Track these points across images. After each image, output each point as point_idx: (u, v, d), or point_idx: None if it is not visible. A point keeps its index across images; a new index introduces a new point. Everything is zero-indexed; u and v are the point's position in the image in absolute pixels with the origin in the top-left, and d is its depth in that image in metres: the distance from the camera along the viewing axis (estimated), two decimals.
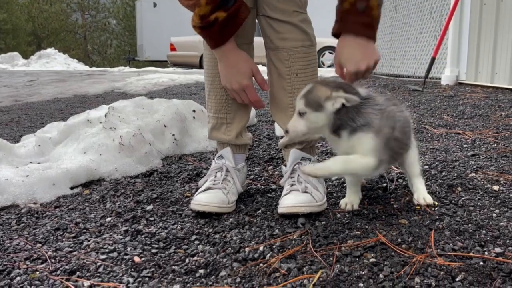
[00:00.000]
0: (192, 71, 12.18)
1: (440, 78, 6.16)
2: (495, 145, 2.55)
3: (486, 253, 1.31)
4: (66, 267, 1.29)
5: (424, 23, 7.02)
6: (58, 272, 1.27)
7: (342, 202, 1.71)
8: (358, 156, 1.48)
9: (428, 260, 1.26)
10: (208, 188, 1.75)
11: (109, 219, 1.68)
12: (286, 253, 1.33)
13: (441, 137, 2.85)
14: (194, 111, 2.92)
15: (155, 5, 18.92)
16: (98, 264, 1.31)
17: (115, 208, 1.79)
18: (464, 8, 5.72)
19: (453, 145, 2.62)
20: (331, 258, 1.30)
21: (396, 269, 1.22)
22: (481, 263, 1.24)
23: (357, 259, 1.29)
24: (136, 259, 1.34)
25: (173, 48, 14.68)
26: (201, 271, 1.27)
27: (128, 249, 1.41)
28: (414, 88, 5.68)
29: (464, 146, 2.58)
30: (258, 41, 1.78)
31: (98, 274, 1.26)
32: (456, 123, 3.30)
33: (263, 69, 2.19)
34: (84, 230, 1.59)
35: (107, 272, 1.27)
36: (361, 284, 1.16)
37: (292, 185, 1.71)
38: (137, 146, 2.39)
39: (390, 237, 1.42)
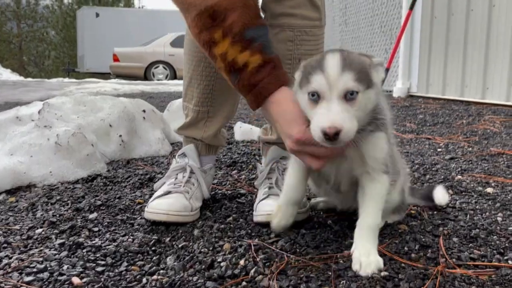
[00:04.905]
0: (137, 82, 11.68)
1: (391, 91, 6.17)
2: (470, 149, 2.42)
3: (509, 261, 1.10)
4: None
5: (374, 37, 7.07)
6: None
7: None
8: (372, 190, 1.11)
9: (448, 271, 1.02)
10: (167, 192, 1.43)
11: (39, 230, 1.32)
12: (272, 266, 1.05)
13: (412, 142, 2.70)
14: (144, 111, 2.58)
15: (97, 15, 18.18)
16: None
17: (48, 217, 1.43)
18: (415, 21, 5.78)
19: (426, 149, 2.46)
20: (329, 272, 1.04)
21: (415, 284, 0.97)
22: None
23: None
24: (75, 280, 1.00)
25: (116, 59, 14.05)
26: None
27: (65, 267, 1.07)
28: None
29: (438, 150, 2.43)
30: None
31: None
32: (421, 129, 3.18)
33: None
34: (5, 245, 1.22)
35: None
36: None
37: (270, 187, 1.44)
38: (77, 147, 2.02)
39: (394, 245, 1.18)
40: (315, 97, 0.98)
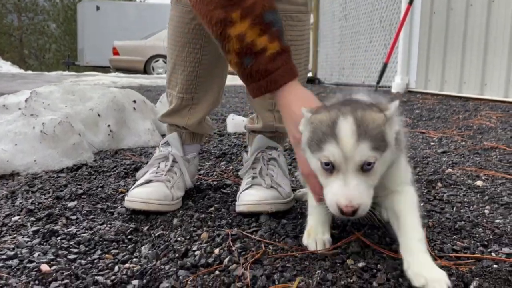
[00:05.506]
0: (136, 75, 11.63)
1: (390, 87, 6.13)
2: (463, 143, 2.39)
3: (493, 253, 1.07)
4: None
5: (373, 32, 7.01)
6: None
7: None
8: (403, 204, 1.02)
9: None
10: (148, 181, 1.40)
11: (16, 218, 1.30)
12: (248, 255, 1.02)
13: (405, 136, 2.67)
14: (134, 101, 2.55)
15: (98, 8, 18.11)
16: None
17: (26, 205, 1.40)
18: (414, 16, 5.73)
19: (419, 143, 2.43)
20: (306, 262, 1.01)
21: (393, 275, 0.94)
22: (495, 266, 0.99)
23: (341, 263, 1.01)
24: (44, 267, 0.98)
25: (116, 52, 13.99)
26: (135, 282, 0.93)
27: (36, 254, 1.05)
28: None
29: (432, 144, 2.40)
30: None
31: None
32: (416, 123, 3.15)
33: None
34: None
35: None
36: None
37: (254, 177, 1.40)
38: (63, 136, 1.99)
39: (376, 236, 1.15)
40: (329, 167, 0.91)
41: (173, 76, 1.50)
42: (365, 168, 0.89)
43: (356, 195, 0.89)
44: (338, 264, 1.00)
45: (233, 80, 7.99)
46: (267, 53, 1.09)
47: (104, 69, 16.88)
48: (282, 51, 1.11)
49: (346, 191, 0.89)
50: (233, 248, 1.05)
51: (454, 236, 1.17)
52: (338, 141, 0.89)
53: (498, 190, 1.56)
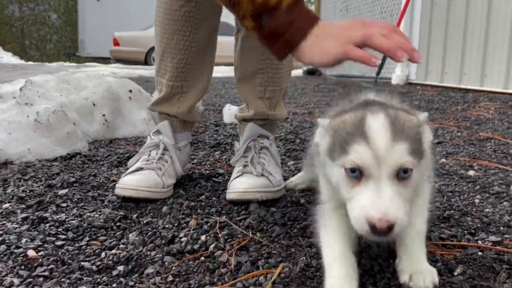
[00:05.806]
0: (136, 66, 11.61)
1: (390, 78, 6.11)
2: (459, 133, 2.39)
3: (479, 241, 1.07)
4: None
5: None
6: None
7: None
8: (414, 200, 0.87)
9: None
10: (139, 169, 1.41)
11: (6, 205, 1.30)
12: (234, 242, 1.02)
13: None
14: (130, 91, 2.55)
15: None
16: None
17: (17, 192, 1.41)
18: (415, 7, 5.69)
19: None
20: (293, 249, 1.01)
21: (377, 262, 0.94)
22: (480, 253, 1.00)
23: None
24: (31, 253, 0.98)
25: (116, 43, 13.96)
26: (120, 268, 0.93)
27: (23, 240, 1.05)
28: (365, 86, 5.59)
29: None
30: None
31: None
32: None
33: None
34: None
35: None
36: None
37: (245, 166, 1.41)
38: (58, 125, 1.99)
39: None
40: (356, 174, 0.75)
41: (162, 64, 1.50)
42: (400, 176, 0.74)
43: (392, 208, 0.70)
44: None
45: (233, 72, 7.99)
46: (283, 5, 1.01)
47: (105, 60, 16.84)
48: (296, 0, 1.03)
49: (379, 202, 0.71)
50: (220, 235, 1.06)
51: (442, 225, 1.17)
52: (368, 140, 0.73)
53: (490, 180, 1.55)
